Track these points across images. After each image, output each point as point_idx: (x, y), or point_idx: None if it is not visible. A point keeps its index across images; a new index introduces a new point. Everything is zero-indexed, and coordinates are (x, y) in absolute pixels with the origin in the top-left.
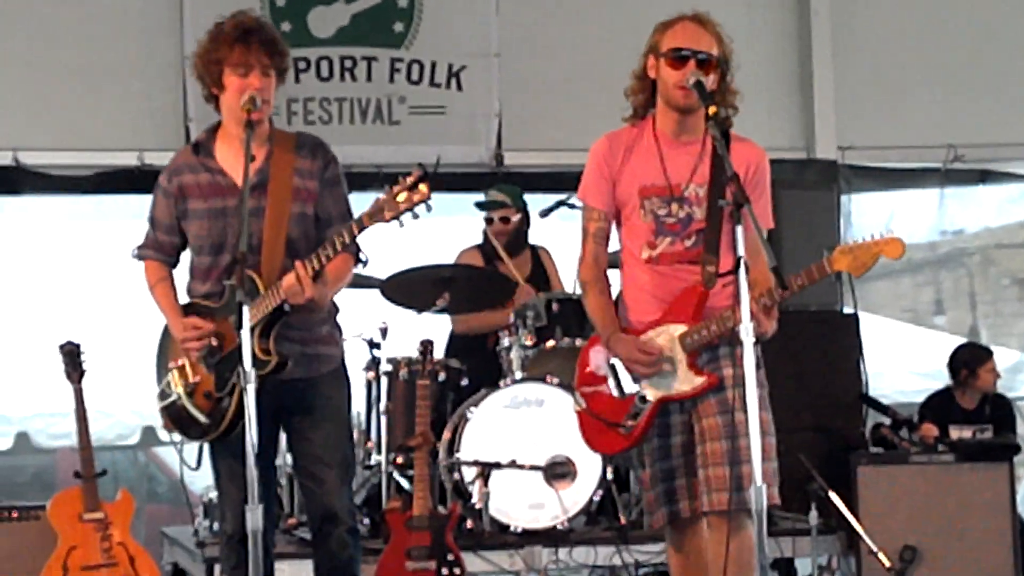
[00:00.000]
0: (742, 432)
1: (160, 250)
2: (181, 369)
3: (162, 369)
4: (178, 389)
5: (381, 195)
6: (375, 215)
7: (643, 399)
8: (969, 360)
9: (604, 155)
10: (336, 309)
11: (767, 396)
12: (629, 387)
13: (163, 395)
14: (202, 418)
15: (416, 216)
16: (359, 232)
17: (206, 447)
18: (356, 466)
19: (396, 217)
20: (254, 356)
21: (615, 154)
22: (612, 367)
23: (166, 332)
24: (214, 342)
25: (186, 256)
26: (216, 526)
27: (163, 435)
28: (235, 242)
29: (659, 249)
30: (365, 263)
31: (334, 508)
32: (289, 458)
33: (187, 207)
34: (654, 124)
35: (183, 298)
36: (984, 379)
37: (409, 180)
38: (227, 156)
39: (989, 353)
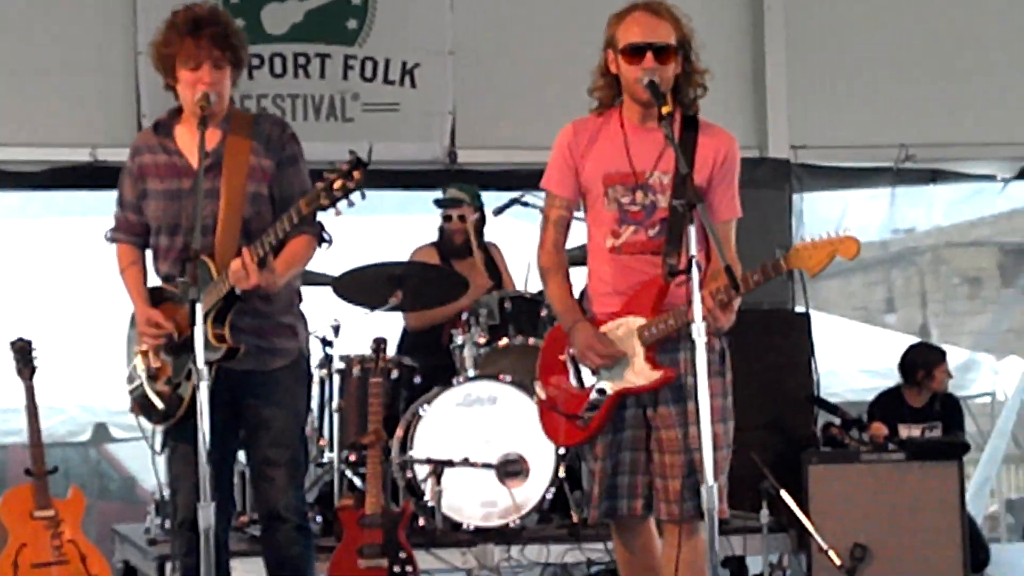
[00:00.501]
0: (693, 446)
1: (130, 231)
2: (145, 354)
3: (130, 351)
4: (142, 373)
5: (318, 183)
6: (312, 202)
7: (601, 391)
8: (925, 361)
9: (568, 142)
10: (299, 298)
11: (729, 407)
12: (588, 379)
13: (130, 379)
14: (160, 404)
15: (351, 204)
16: (298, 219)
17: (121, 456)
18: (308, 464)
19: (332, 204)
20: (207, 341)
21: (579, 141)
22: (572, 358)
23: (134, 316)
24: (171, 331)
25: None
26: (167, 524)
27: (116, 432)
28: (189, 225)
29: (623, 238)
30: (330, 242)
31: (279, 507)
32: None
33: (146, 187)
34: (620, 113)
35: (154, 279)
36: (939, 379)
37: (344, 167)
38: (185, 138)
39: (943, 354)
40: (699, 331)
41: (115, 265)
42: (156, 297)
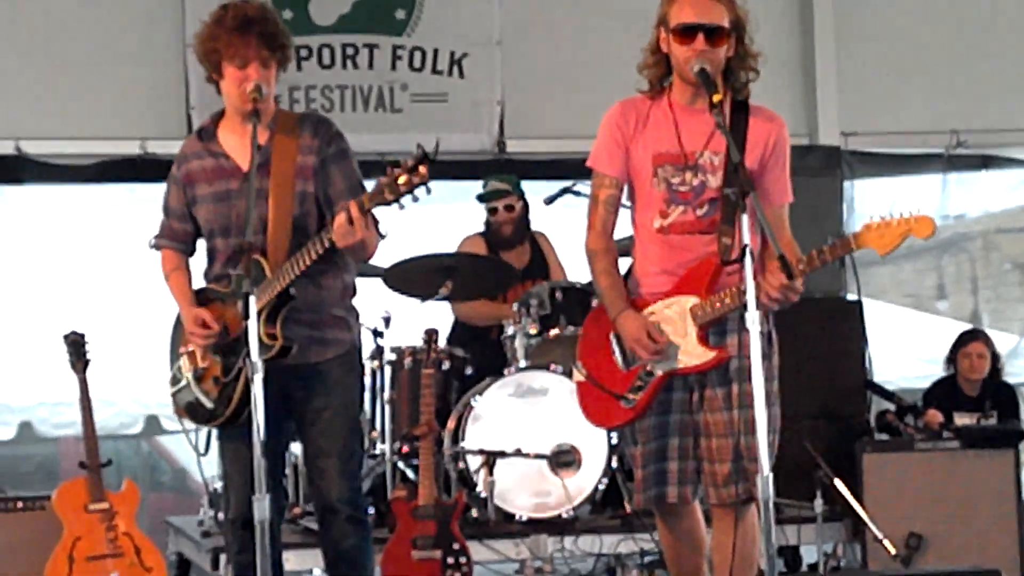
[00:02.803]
0: (749, 429)
1: (174, 238)
2: (191, 354)
3: (174, 354)
4: (187, 374)
5: (382, 178)
6: (375, 197)
7: (649, 372)
8: (953, 349)
9: (617, 121)
10: (352, 292)
11: (776, 391)
12: (635, 360)
13: (175, 380)
14: (208, 403)
15: (416, 199)
16: (361, 212)
17: (214, 433)
18: (363, 455)
19: (397, 199)
20: (260, 340)
21: (628, 121)
22: (618, 339)
23: (179, 319)
24: (218, 330)
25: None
26: (221, 516)
27: (167, 424)
28: (241, 224)
29: (671, 218)
30: (384, 236)
31: (331, 497)
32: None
33: (195, 193)
34: (669, 94)
35: (199, 283)
36: (964, 365)
37: (409, 162)
38: (229, 140)
39: (971, 336)
40: (753, 319)
41: (160, 269)
42: (202, 299)
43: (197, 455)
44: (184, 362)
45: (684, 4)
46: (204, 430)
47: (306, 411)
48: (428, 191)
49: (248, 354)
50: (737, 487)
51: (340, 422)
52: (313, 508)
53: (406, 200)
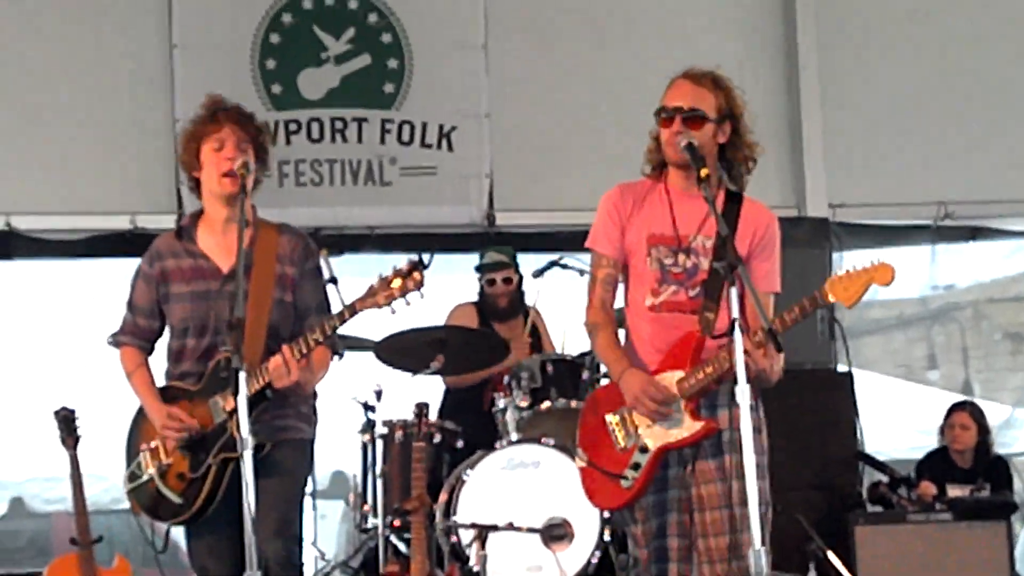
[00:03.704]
0: (739, 501)
1: (138, 335)
2: (154, 451)
3: (132, 451)
4: (150, 471)
5: (374, 282)
6: (367, 300)
7: (644, 449)
8: (943, 421)
9: (615, 203)
10: (315, 395)
11: (765, 464)
12: (630, 439)
13: (133, 476)
14: (175, 499)
15: (408, 304)
16: (351, 317)
17: (173, 529)
18: (302, 529)
19: (388, 303)
20: (231, 439)
21: (626, 202)
22: (612, 421)
23: (139, 414)
24: (191, 435)
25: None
26: None
27: None
28: (217, 325)
29: (662, 297)
30: (341, 356)
31: (265, 555)
32: None
33: (169, 291)
34: (666, 179)
35: (159, 380)
36: (948, 436)
37: (404, 268)
38: (208, 242)
39: (956, 408)
40: (743, 392)
41: (122, 367)
42: (167, 396)
43: (155, 552)
44: (146, 458)
45: (670, 89)
46: (162, 527)
47: (258, 483)
48: (422, 296)
49: (238, 428)
50: (731, 564)
51: (285, 491)
52: None
53: (398, 304)
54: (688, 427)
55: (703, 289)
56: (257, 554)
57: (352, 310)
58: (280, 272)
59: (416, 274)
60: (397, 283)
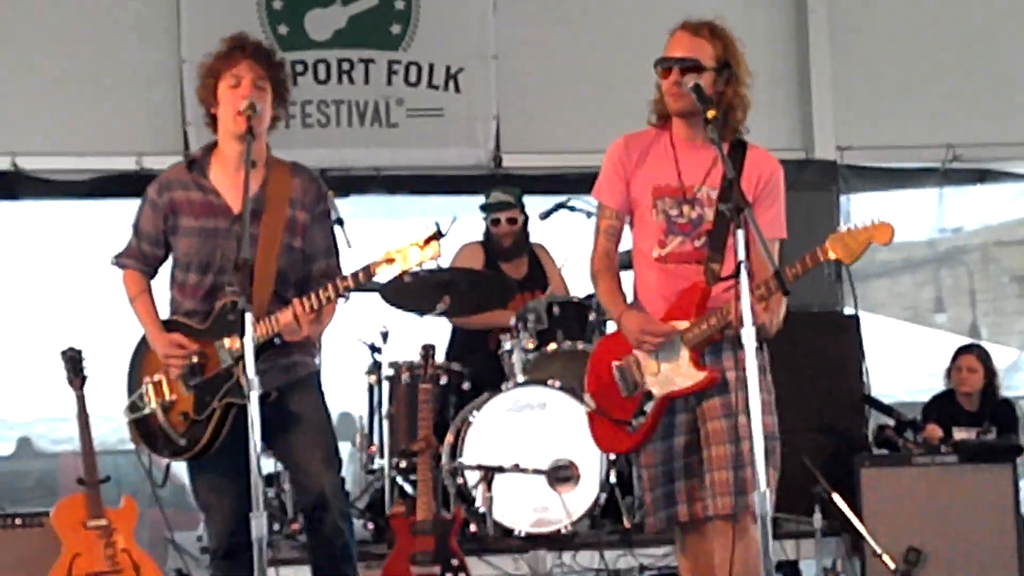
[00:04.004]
0: (745, 435)
1: (142, 260)
2: (157, 385)
3: (135, 381)
4: (152, 405)
5: (392, 247)
6: (384, 265)
7: (649, 395)
8: (949, 363)
9: (620, 155)
10: None
11: (772, 401)
12: (636, 385)
13: (134, 407)
14: (177, 438)
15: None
16: (366, 280)
17: (173, 465)
18: (341, 460)
19: (405, 272)
20: (237, 384)
21: (631, 154)
22: (620, 367)
23: (141, 344)
24: (195, 360)
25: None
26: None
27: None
28: (223, 264)
29: (669, 248)
30: (347, 299)
31: (324, 491)
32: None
33: (178, 223)
34: (671, 129)
35: (164, 312)
36: (956, 379)
37: (422, 239)
38: (220, 177)
39: (963, 350)
40: (749, 336)
41: (124, 290)
42: (171, 331)
43: (153, 487)
44: (149, 391)
45: (669, 41)
46: (163, 461)
47: (278, 425)
48: (438, 267)
49: (245, 371)
50: (737, 498)
51: (318, 428)
52: (301, 512)
53: (414, 269)
54: (692, 376)
55: (708, 239)
56: (313, 489)
57: (368, 274)
58: (291, 216)
59: (434, 244)
60: (415, 253)
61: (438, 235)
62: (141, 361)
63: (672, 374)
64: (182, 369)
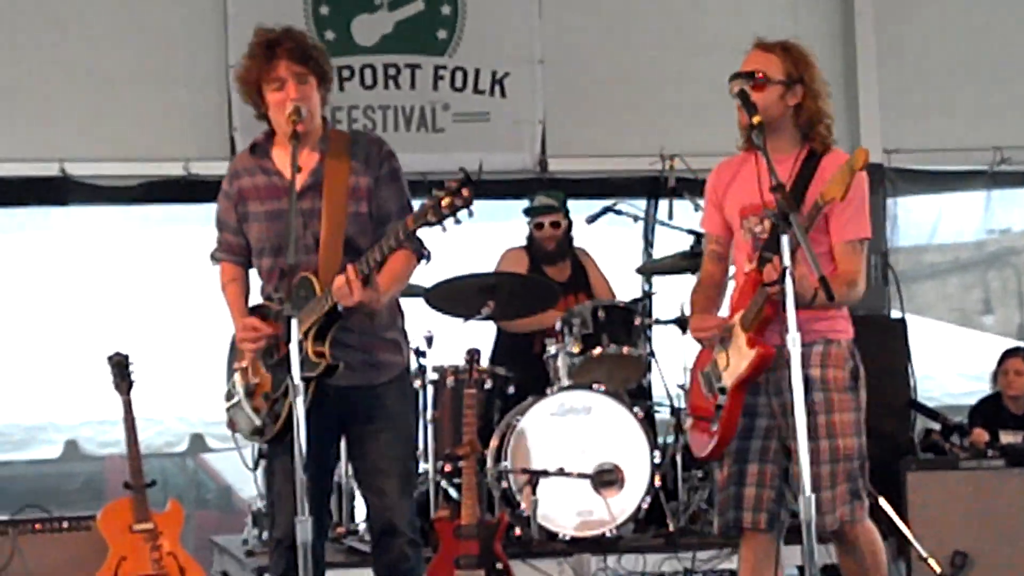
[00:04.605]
0: (824, 460)
1: (230, 251)
2: (243, 371)
3: (230, 371)
4: (240, 390)
5: (426, 200)
6: (419, 219)
7: (722, 389)
8: (996, 367)
9: (713, 183)
10: (402, 315)
11: (860, 421)
12: (716, 386)
13: (229, 396)
14: (256, 419)
15: (459, 221)
16: (404, 235)
17: (218, 467)
18: (417, 480)
19: (440, 221)
20: (307, 357)
21: (721, 180)
22: (703, 374)
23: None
24: (271, 340)
25: None
26: (265, 535)
27: (212, 442)
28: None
29: (756, 263)
30: (428, 258)
31: (395, 520)
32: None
33: (247, 210)
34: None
35: (256, 299)
36: (1003, 382)
37: (452, 185)
38: (284, 159)
39: (1010, 353)
40: (794, 340)
41: (217, 282)
42: (258, 315)
43: (249, 469)
44: (238, 378)
45: (744, 59)
46: (254, 446)
47: (364, 432)
48: (471, 214)
49: (290, 374)
50: (821, 518)
51: (400, 444)
52: (368, 529)
53: (448, 222)
54: (746, 356)
55: (770, 233)
56: (383, 515)
57: (405, 229)
58: (354, 184)
59: (465, 191)
60: (447, 201)
61: (468, 180)
62: (235, 351)
63: (736, 361)
64: (257, 351)
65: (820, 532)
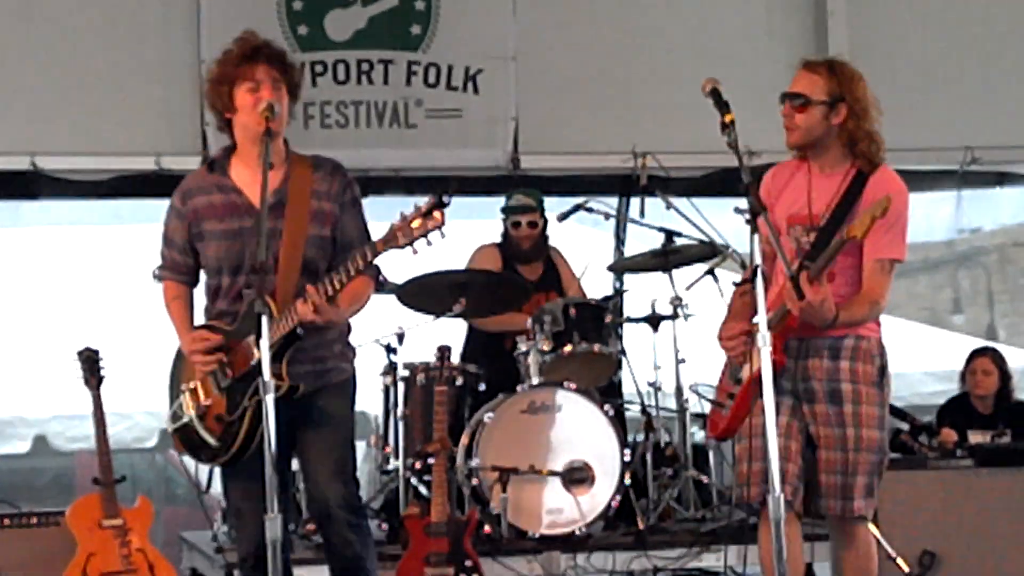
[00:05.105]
0: (852, 447)
1: (176, 270)
2: (193, 392)
3: (175, 391)
4: (190, 412)
5: (395, 221)
6: (389, 241)
7: (738, 380)
8: (965, 367)
9: (767, 186)
10: (348, 328)
11: (885, 416)
12: (734, 378)
13: (175, 417)
14: (212, 441)
15: (430, 243)
16: (373, 258)
17: (216, 470)
18: (355, 466)
19: (410, 243)
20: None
21: (776, 184)
22: (726, 370)
23: (179, 354)
24: (224, 359)
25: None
26: (234, 532)
27: None
28: (252, 263)
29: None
30: (383, 284)
31: (329, 504)
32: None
33: (202, 228)
34: (809, 160)
35: (200, 318)
36: (970, 382)
37: (424, 207)
38: (243, 175)
39: (978, 353)
40: (765, 339)
41: (161, 299)
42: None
43: (199, 492)
44: (186, 399)
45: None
46: (208, 466)
47: (305, 431)
48: (443, 235)
49: (260, 373)
50: (842, 503)
51: (335, 437)
52: (315, 522)
53: (419, 244)
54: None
55: (812, 245)
56: (319, 499)
57: (374, 250)
58: (317, 208)
59: (436, 214)
60: (417, 223)
61: (440, 204)
62: (179, 370)
63: (755, 359)
64: (209, 367)
65: (828, 514)
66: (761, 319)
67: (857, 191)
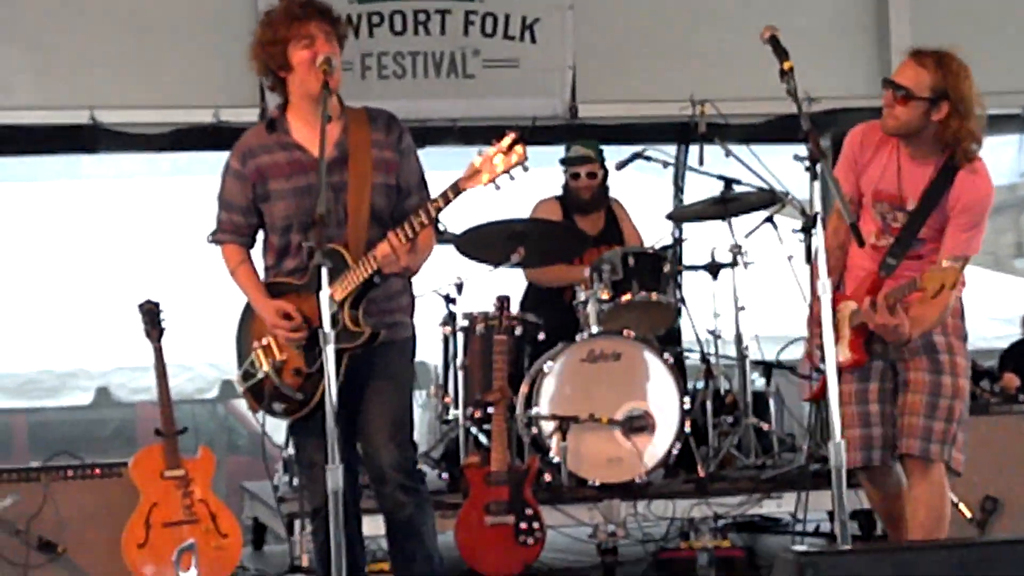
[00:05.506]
0: (947, 394)
1: (238, 232)
2: (267, 348)
3: (244, 349)
4: (264, 368)
5: (476, 158)
6: (471, 178)
7: (819, 370)
8: None
9: (856, 146)
10: (411, 283)
11: (968, 367)
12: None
13: (247, 375)
14: (293, 395)
15: (512, 178)
16: (455, 197)
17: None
18: (413, 429)
19: (492, 180)
20: (345, 328)
21: (865, 148)
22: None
23: (246, 311)
24: (306, 331)
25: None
26: (295, 481)
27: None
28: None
29: (881, 243)
30: (443, 232)
31: (382, 466)
32: None
33: (268, 188)
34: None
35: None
36: None
37: (505, 143)
38: (302, 132)
39: None
40: (824, 286)
41: (224, 264)
42: (274, 293)
43: (263, 442)
44: (259, 355)
45: (900, 65)
46: (288, 419)
47: (366, 386)
48: (525, 169)
49: (321, 324)
50: (925, 444)
51: (392, 397)
52: (369, 480)
53: (502, 180)
54: (844, 355)
55: (896, 239)
56: (373, 459)
57: (456, 190)
58: (379, 157)
59: (519, 148)
60: (500, 159)
61: (521, 139)
62: (247, 328)
63: (839, 348)
64: (294, 342)
65: (907, 454)
66: (821, 264)
67: (946, 183)
